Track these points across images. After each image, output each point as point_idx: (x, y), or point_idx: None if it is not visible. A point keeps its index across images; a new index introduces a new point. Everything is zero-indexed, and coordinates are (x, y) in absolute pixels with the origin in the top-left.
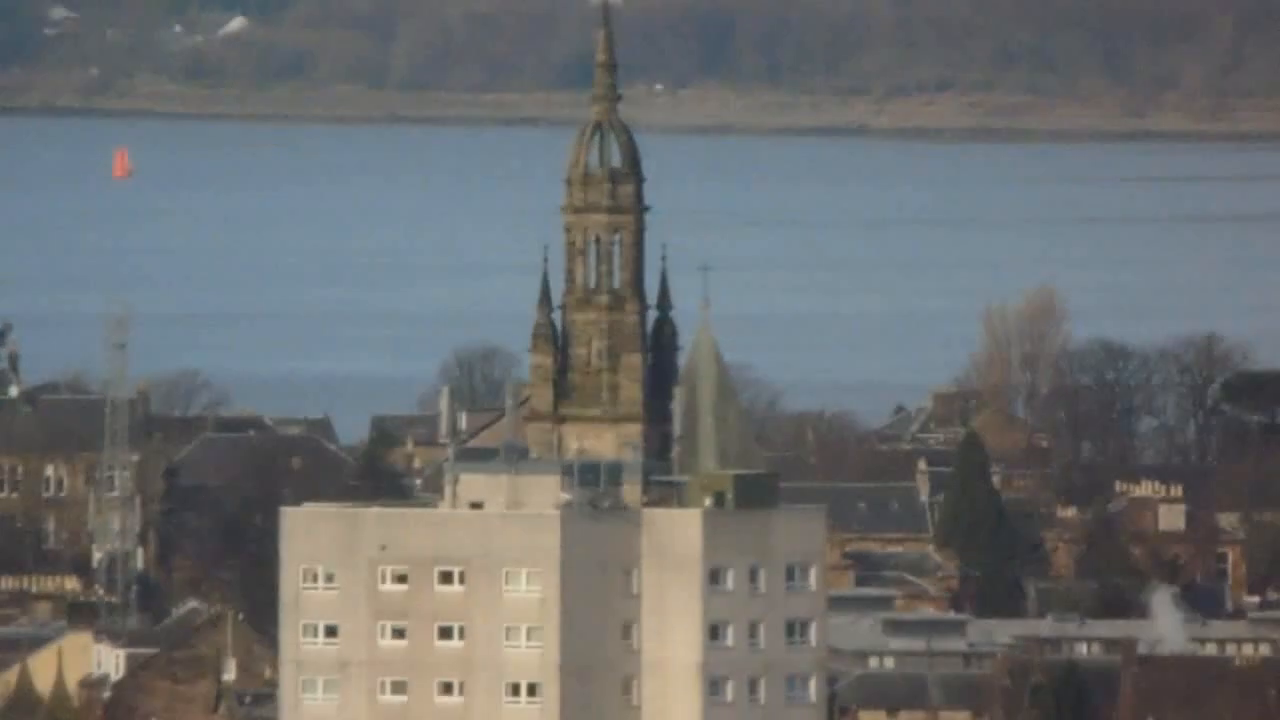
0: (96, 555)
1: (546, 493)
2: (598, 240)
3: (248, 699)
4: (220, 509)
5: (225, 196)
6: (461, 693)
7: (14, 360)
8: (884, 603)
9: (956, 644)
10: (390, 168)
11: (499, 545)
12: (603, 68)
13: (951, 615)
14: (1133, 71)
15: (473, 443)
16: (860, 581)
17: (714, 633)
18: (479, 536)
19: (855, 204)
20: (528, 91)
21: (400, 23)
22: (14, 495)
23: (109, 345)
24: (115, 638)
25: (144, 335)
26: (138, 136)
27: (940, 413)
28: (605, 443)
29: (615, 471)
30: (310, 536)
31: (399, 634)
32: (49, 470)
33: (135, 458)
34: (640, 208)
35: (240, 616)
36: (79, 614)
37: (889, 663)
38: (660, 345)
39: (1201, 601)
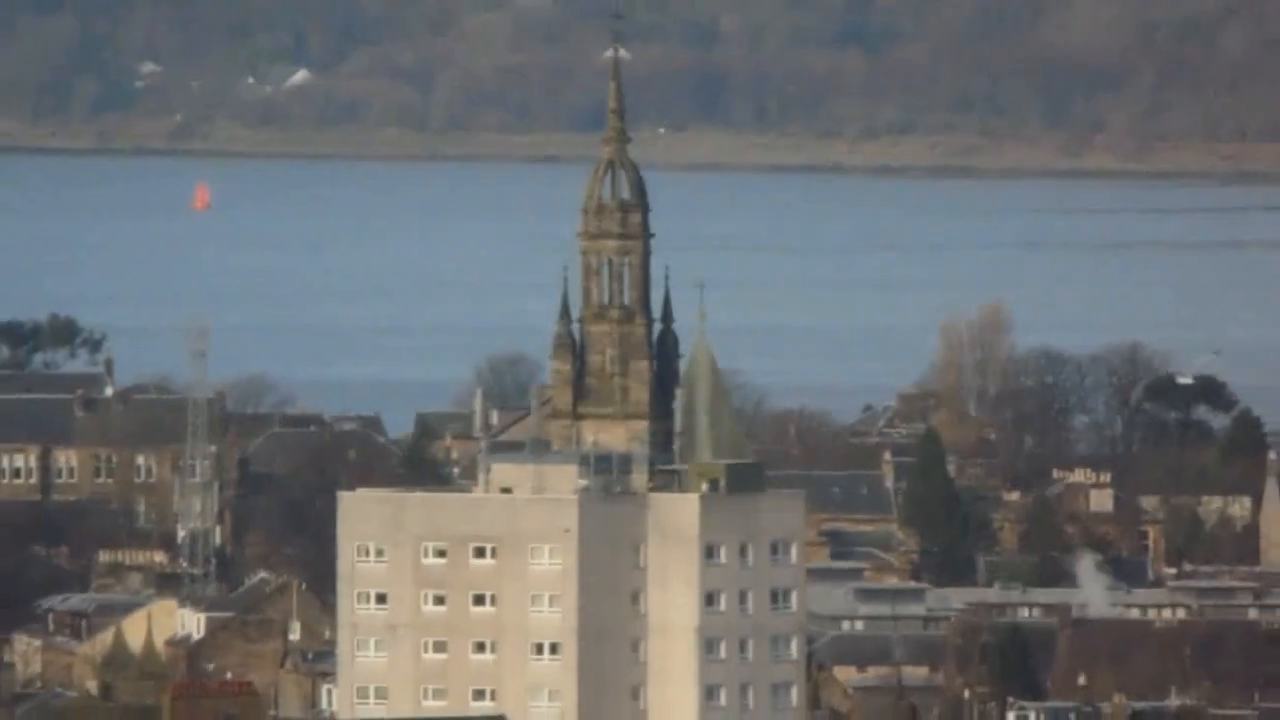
0: (180, 533)
1: (566, 480)
2: (610, 262)
3: (310, 656)
4: (286, 493)
5: (290, 225)
6: (493, 651)
7: (109, 365)
8: (854, 574)
9: (917, 609)
10: (431, 200)
11: (525, 525)
12: (614, 113)
13: (912, 585)
14: (1069, 117)
15: (502, 437)
16: (834, 556)
17: (709, 600)
18: (508, 517)
19: (832, 232)
20: (549, 133)
21: (439, 74)
22: (110, 481)
23: (191, 353)
24: (196, 603)
25: (220, 344)
26: (215, 174)
27: (903, 411)
28: (617, 437)
29: (625, 462)
30: (363, 517)
31: (439, 601)
32: (140, 460)
33: (213, 449)
34: (646, 234)
35: (303, 585)
36: (166, 583)
37: (859, 625)
38: (664, 353)
39: (1126, 573)
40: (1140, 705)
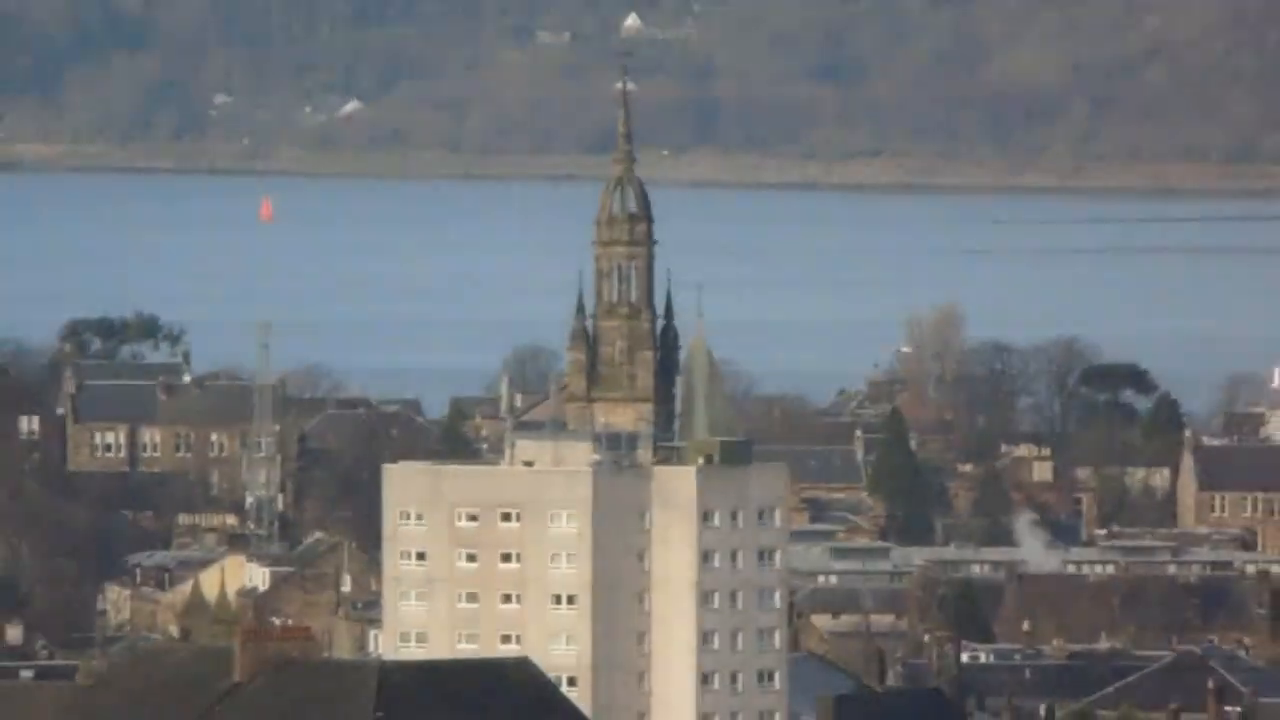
0: (248, 499)
1: (581, 455)
2: (619, 266)
3: (359, 605)
4: (338, 466)
5: (343, 235)
6: (518, 602)
7: (186, 356)
8: (829, 535)
9: (883, 565)
10: (466, 213)
11: (545, 493)
12: (623, 137)
13: (879, 544)
14: (1014, 142)
15: (525, 418)
16: (812, 519)
17: (705, 558)
18: (530, 487)
19: (811, 240)
20: (567, 155)
21: (472, 105)
22: (188, 455)
23: (257, 345)
24: (262, 559)
25: (282, 338)
26: (279, 190)
27: (872, 394)
28: (625, 418)
29: (633, 439)
30: (405, 487)
31: (471, 558)
32: (213, 437)
33: (276, 428)
34: (651, 242)
35: (353, 545)
36: (236, 542)
37: (833, 579)
38: (666, 345)
39: (1064, 534)
40: (1075, 647)
